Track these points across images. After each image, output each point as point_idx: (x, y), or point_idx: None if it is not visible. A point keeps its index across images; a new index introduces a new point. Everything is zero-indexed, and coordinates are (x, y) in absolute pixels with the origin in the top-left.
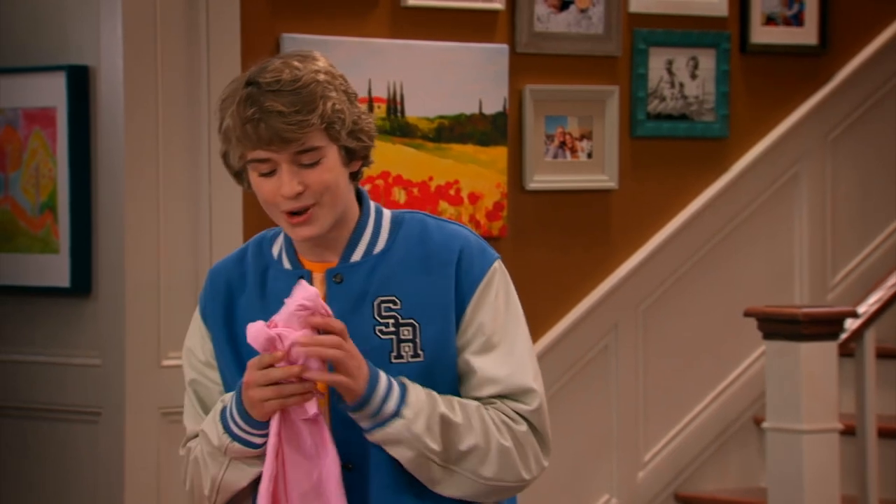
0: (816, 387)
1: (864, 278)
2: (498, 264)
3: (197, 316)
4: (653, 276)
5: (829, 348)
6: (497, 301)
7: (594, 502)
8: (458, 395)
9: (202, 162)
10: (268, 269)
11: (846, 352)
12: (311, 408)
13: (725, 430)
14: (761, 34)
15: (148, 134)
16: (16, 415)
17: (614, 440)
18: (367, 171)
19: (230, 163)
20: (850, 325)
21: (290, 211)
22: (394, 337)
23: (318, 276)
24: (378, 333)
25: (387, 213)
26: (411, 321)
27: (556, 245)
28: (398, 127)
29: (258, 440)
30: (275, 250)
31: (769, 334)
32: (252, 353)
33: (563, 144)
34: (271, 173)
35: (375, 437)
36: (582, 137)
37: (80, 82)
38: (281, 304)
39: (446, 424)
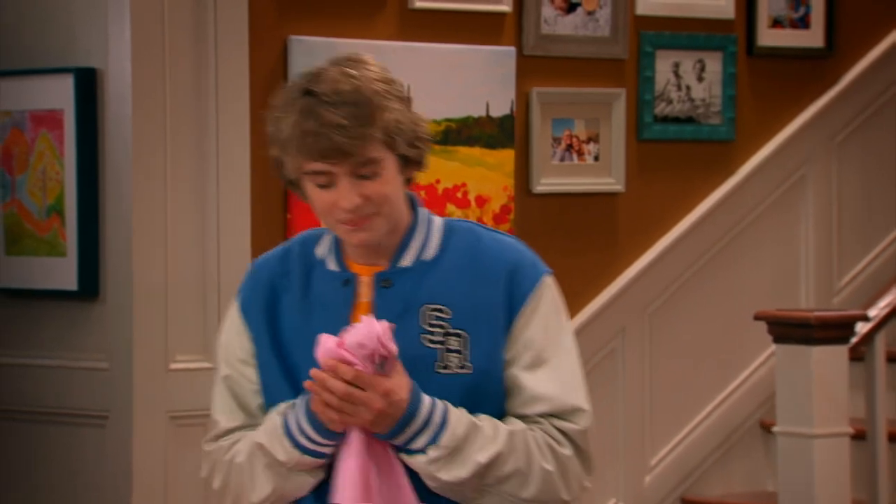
0: (827, 391)
1: (870, 282)
2: (549, 279)
3: (236, 311)
4: (660, 279)
5: (839, 352)
6: (547, 316)
7: None
8: (504, 409)
9: (210, 165)
10: (312, 269)
11: (856, 356)
12: None
13: (732, 433)
14: (768, 37)
15: (156, 137)
16: (23, 418)
17: (621, 444)
18: None
19: (285, 172)
20: (861, 328)
21: (348, 221)
22: (441, 347)
23: (365, 280)
24: (424, 342)
25: (437, 220)
26: (460, 332)
27: (563, 248)
28: None
29: (329, 450)
30: (318, 251)
31: (779, 338)
32: (297, 357)
33: (569, 147)
34: (329, 185)
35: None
36: (589, 140)
37: (88, 85)
38: (324, 307)
39: (481, 468)
